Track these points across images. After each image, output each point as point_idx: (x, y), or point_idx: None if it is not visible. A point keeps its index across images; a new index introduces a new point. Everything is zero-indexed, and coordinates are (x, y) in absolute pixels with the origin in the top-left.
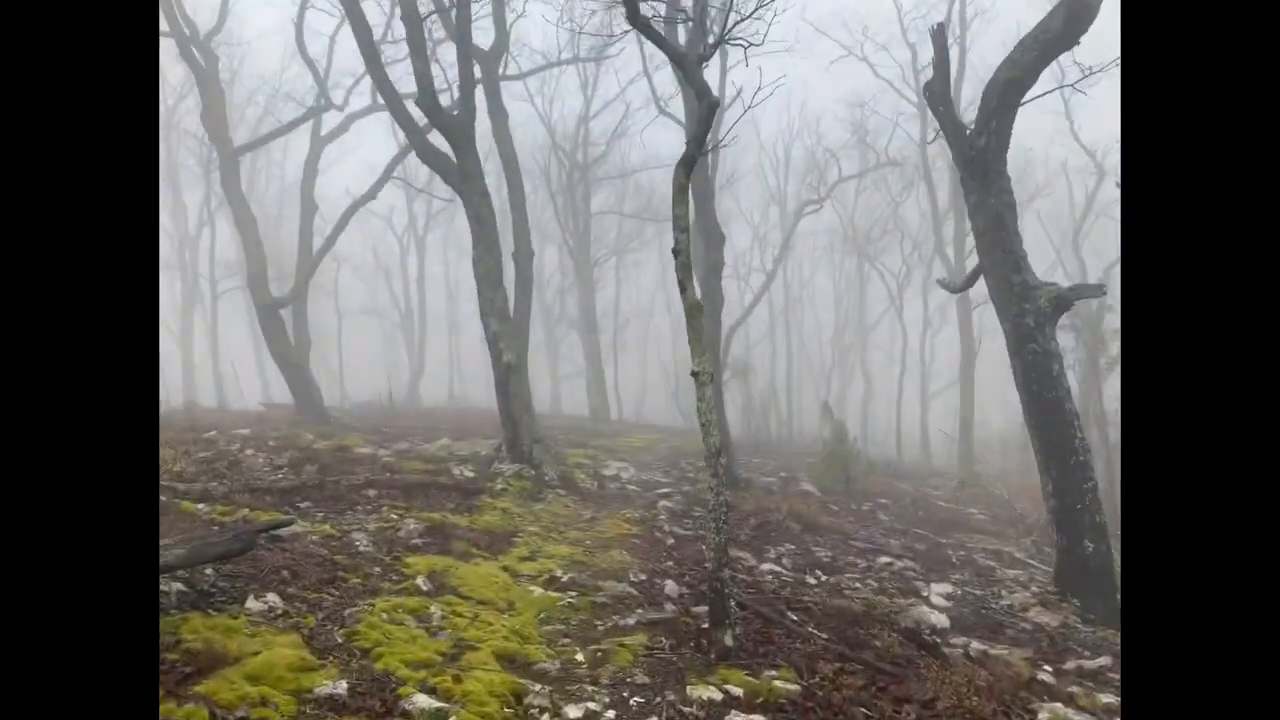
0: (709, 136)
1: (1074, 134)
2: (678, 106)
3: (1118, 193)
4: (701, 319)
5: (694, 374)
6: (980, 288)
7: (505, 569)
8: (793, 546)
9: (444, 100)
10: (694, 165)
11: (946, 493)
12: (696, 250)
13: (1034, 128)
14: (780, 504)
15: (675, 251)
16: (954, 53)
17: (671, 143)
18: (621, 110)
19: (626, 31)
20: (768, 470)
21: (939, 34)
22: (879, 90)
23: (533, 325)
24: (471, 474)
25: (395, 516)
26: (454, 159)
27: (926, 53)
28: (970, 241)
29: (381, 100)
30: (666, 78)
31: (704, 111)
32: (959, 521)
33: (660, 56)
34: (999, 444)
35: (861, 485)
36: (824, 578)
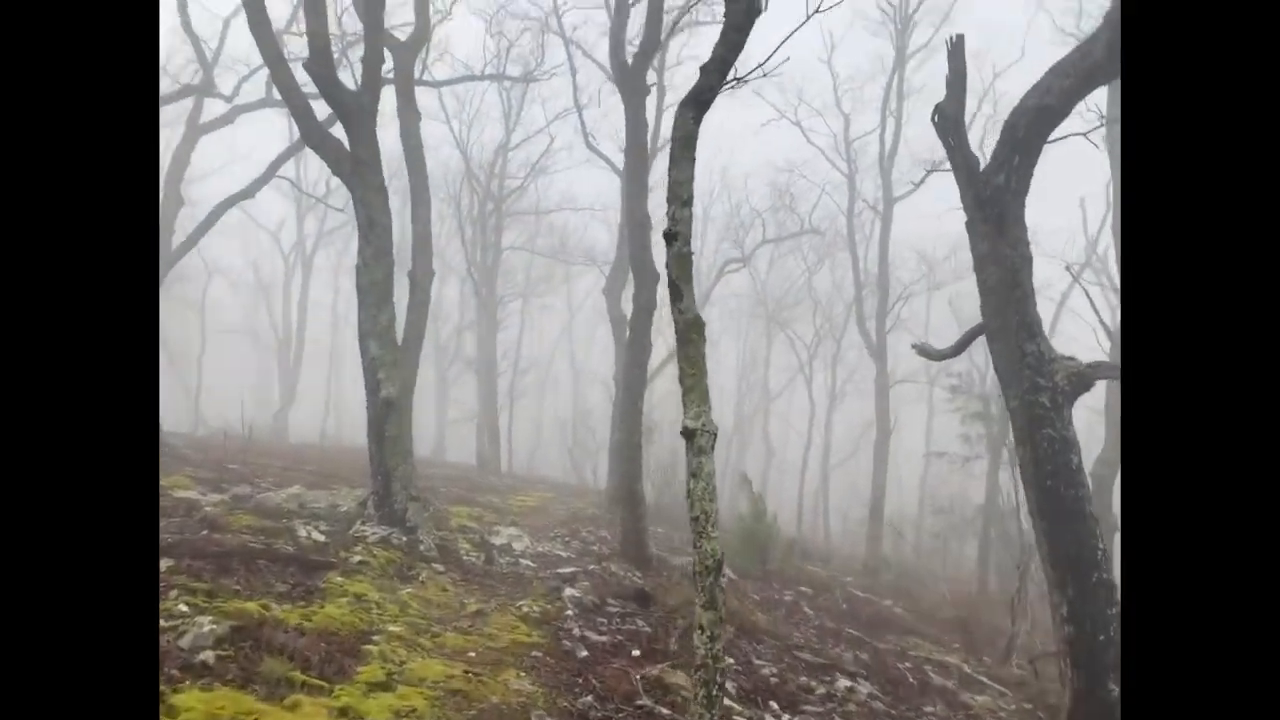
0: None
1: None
2: (607, 147)
3: None
4: (702, 346)
5: (687, 433)
6: (903, 362)
7: (341, 714)
8: (731, 660)
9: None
10: (709, 105)
11: (858, 580)
12: (620, 281)
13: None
14: None
15: (670, 236)
16: (889, 125)
17: (592, 189)
18: (544, 143)
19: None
20: (675, 545)
21: (957, 47)
22: (810, 156)
23: (423, 362)
24: (323, 537)
25: (185, 608)
26: (347, 146)
27: (860, 122)
28: (899, 316)
29: (278, 93)
30: (595, 114)
31: (739, 18)
32: (886, 618)
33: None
34: (889, 526)
35: (778, 568)
36: (785, 718)
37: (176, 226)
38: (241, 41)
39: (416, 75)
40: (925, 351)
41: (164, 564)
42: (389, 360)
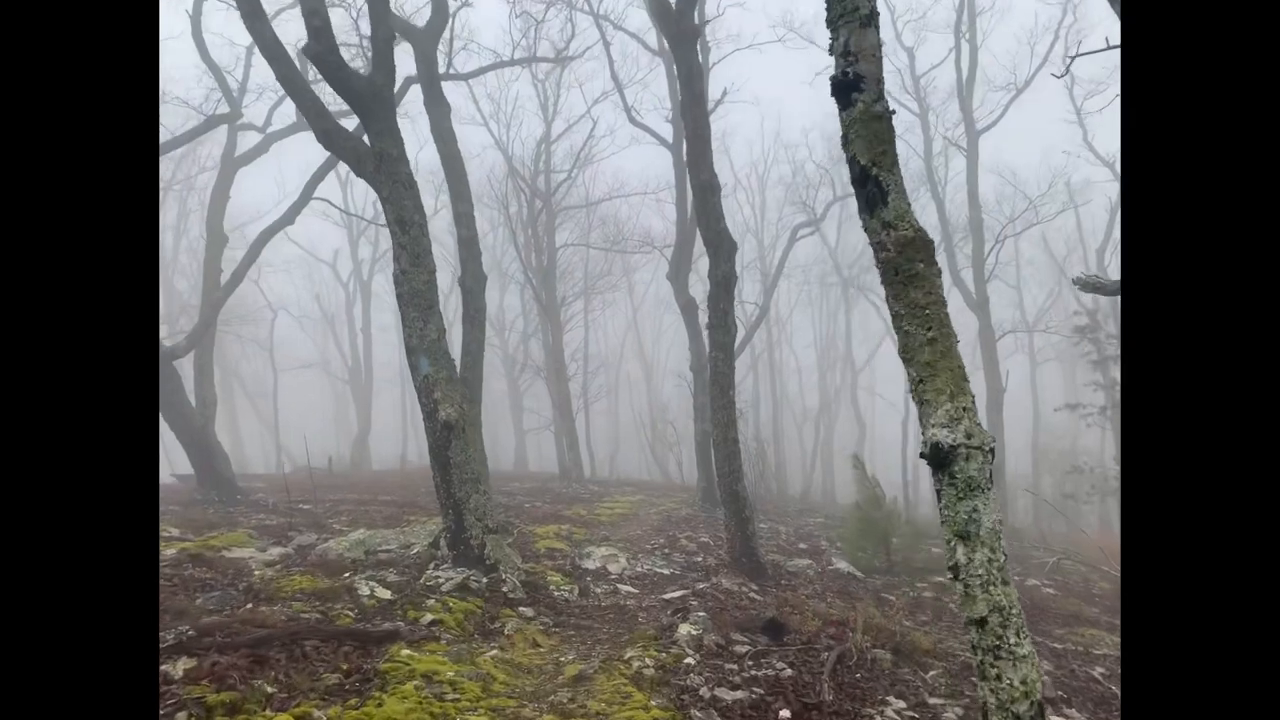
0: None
1: (1088, 143)
2: (653, 119)
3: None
4: (937, 282)
5: (937, 453)
6: (1001, 310)
7: None
8: (905, 706)
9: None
10: None
11: None
12: (685, 263)
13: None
14: (838, 609)
15: (847, 83)
16: (964, 50)
17: (639, 173)
18: (587, 130)
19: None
20: (785, 541)
21: None
22: None
23: (493, 374)
24: (389, 593)
25: None
26: (368, 142)
27: (925, 56)
28: (998, 262)
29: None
30: (634, 92)
31: None
32: (1040, 604)
33: (627, 65)
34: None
35: (903, 558)
36: None
37: (225, 265)
38: (268, 70)
39: (442, 69)
40: (1095, 285)
41: (185, 664)
42: (443, 377)
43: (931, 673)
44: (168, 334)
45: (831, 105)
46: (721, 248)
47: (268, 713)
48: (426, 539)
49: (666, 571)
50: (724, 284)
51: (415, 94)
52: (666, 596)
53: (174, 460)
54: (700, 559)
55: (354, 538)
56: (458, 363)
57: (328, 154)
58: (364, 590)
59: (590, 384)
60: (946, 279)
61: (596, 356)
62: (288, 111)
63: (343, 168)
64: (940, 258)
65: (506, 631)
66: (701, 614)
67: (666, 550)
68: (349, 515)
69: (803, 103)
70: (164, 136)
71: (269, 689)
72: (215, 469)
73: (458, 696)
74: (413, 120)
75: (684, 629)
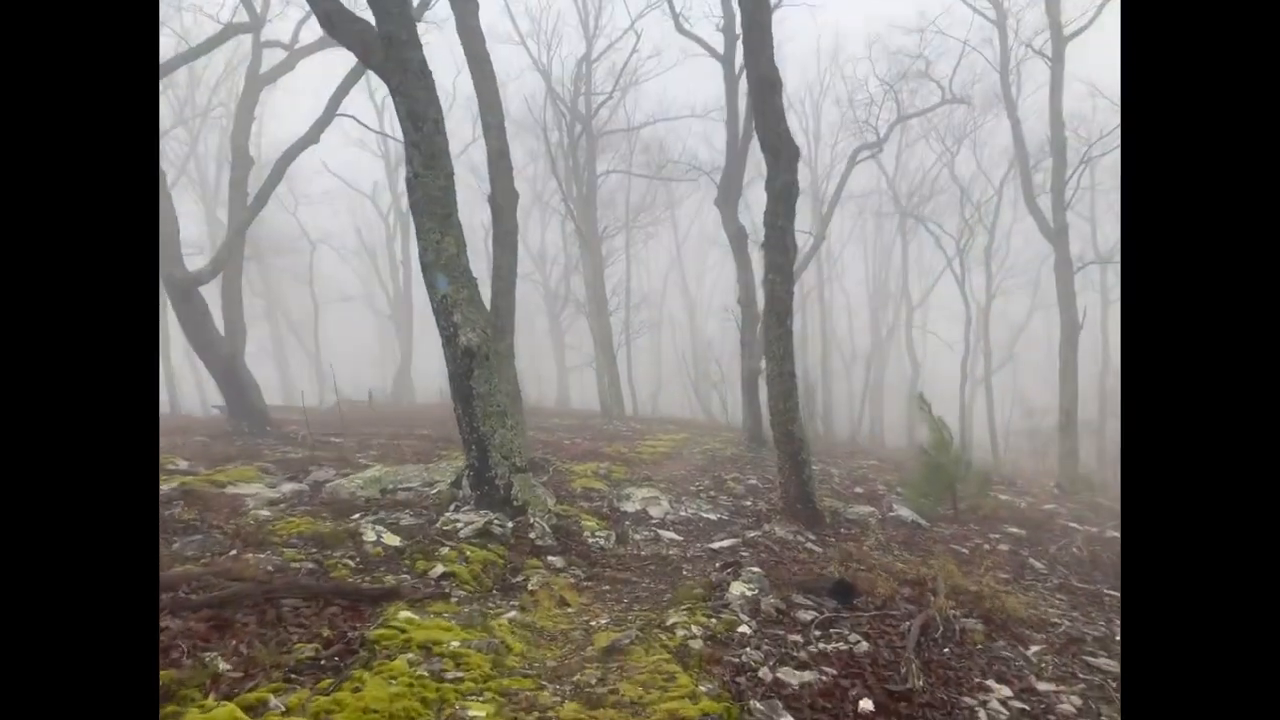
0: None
1: None
2: (702, 28)
3: None
4: None
5: None
6: (1079, 240)
7: None
8: (1010, 693)
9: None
10: None
11: (1065, 508)
12: (735, 187)
13: None
14: (910, 566)
15: None
16: None
17: (687, 95)
18: (629, 45)
19: None
20: (839, 485)
21: None
22: (942, 8)
23: (536, 310)
24: (398, 539)
25: None
26: (375, 25)
27: None
28: (1080, 188)
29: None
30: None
31: None
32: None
33: None
34: (1053, 435)
35: (971, 505)
36: None
37: (252, 189)
38: None
39: None
40: None
41: None
42: (464, 297)
43: (1034, 648)
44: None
45: (895, 18)
46: (782, 153)
47: (209, 700)
48: (452, 476)
49: (713, 517)
50: (783, 195)
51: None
52: (714, 546)
53: (211, 393)
54: (749, 503)
55: (370, 474)
56: (486, 287)
57: (352, 67)
58: (370, 536)
59: (632, 320)
60: (1020, 205)
61: (638, 292)
62: (316, 28)
63: (376, 86)
64: (1014, 182)
65: (530, 586)
66: (755, 570)
67: (712, 493)
68: (379, 449)
69: (862, 18)
70: (184, 48)
71: (221, 665)
72: (246, 400)
73: (460, 675)
74: (448, 43)
75: (736, 588)
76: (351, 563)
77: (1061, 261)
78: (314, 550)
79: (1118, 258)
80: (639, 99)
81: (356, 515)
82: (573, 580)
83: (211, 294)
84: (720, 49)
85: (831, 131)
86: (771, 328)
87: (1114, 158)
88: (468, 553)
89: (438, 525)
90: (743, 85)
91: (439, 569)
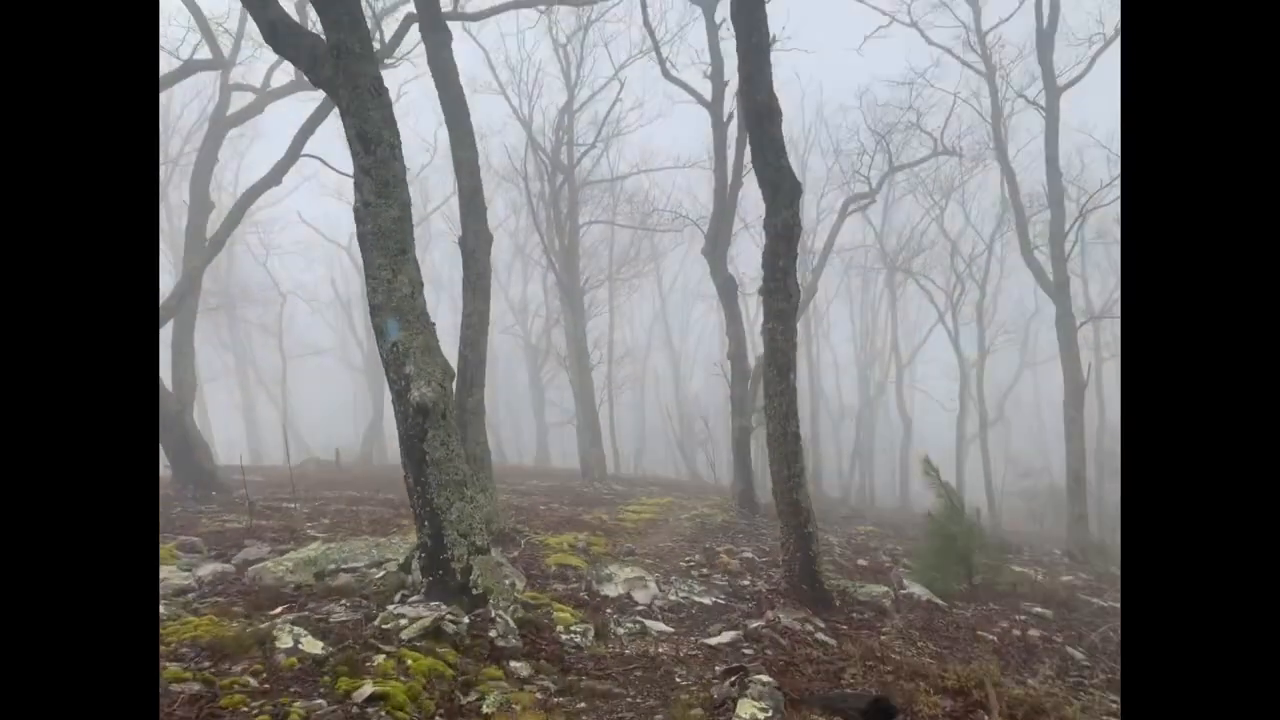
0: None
1: None
2: (689, 75)
3: None
4: None
5: None
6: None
7: None
8: None
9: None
10: None
11: (1080, 580)
12: (724, 236)
13: None
14: (941, 663)
15: None
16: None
17: (671, 146)
18: (612, 94)
19: None
20: (840, 556)
21: None
22: (930, 64)
23: (516, 365)
24: (320, 646)
25: None
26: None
27: (992, 9)
28: (1081, 236)
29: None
30: (667, 50)
31: None
32: None
33: (662, 25)
34: (1051, 498)
35: (986, 580)
36: None
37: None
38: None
39: (448, 7)
40: None
41: None
42: (418, 346)
43: None
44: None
45: (883, 69)
46: (781, 188)
47: None
48: (406, 554)
49: (708, 601)
50: (784, 234)
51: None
52: (712, 642)
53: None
54: (747, 582)
55: (305, 554)
56: (456, 339)
57: (318, 104)
58: (285, 641)
59: (615, 375)
60: (1009, 260)
61: (621, 345)
62: (289, 70)
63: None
64: (1003, 236)
65: (486, 709)
66: (764, 679)
67: (705, 569)
68: (334, 517)
69: (847, 70)
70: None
71: None
72: (193, 461)
73: None
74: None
75: (745, 710)
76: (254, 681)
77: (1063, 316)
78: (208, 664)
79: (1116, 312)
80: (622, 149)
81: (279, 609)
82: (541, 694)
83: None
84: (708, 95)
85: (817, 184)
86: (772, 382)
87: (1107, 212)
88: (409, 661)
89: (376, 623)
90: (731, 130)
91: (367, 689)
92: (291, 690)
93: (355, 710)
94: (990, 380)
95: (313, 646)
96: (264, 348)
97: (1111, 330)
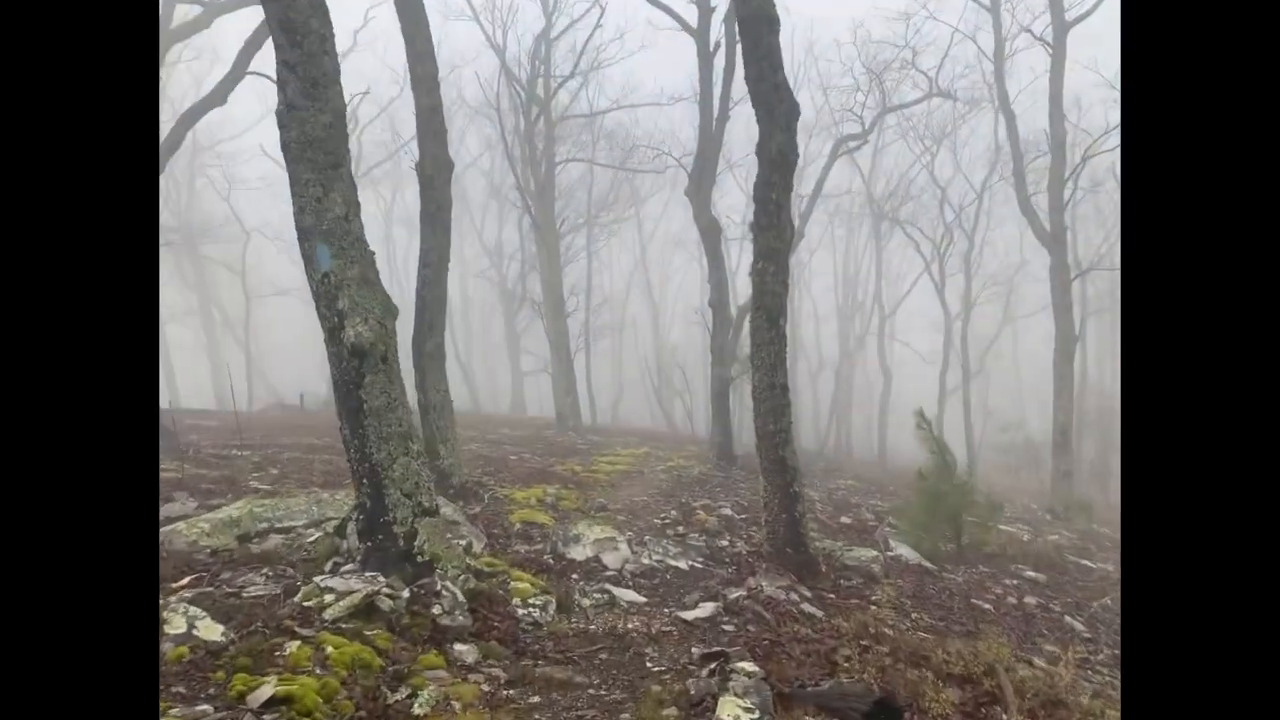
0: None
1: None
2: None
3: None
4: None
5: None
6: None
7: None
8: None
9: None
10: None
11: (1067, 540)
12: (709, 175)
13: None
14: (939, 638)
15: None
16: None
17: (654, 79)
18: (592, 21)
19: None
20: (824, 513)
21: None
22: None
23: (492, 311)
24: (219, 631)
25: None
26: None
27: None
28: (1077, 187)
29: None
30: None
31: None
32: None
33: None
34: (1028, 452)
35: (975, 540)
36: None
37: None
38: None
39: None
40: None
41: None
42: (353, 277)
43: None
44: None
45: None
46: (777, 110)
47: None
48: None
49: (684, 565)
50: (779, 163)
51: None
52: (688, 616)
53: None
54: (726, 542)
55: (228, 512)
56: (413, 275)
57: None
58: (176, 624)
59: (593, 323)
60: (995, 211)
61: (599, 292)
62: None
63: None
64: (994, 185)
65: (417, 709)
66: (748, 668)
67: (681, 528)
68: (284, 467)
69: (841, 6)
70: None
71: None
72: None
73: None
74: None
75: (727, 709)
76: None
77: (1058, 267)
78: None
79: (1107, 264)
80: (603, 84)
81: (184, 581)
82: (486, 689)
83: None
84: (693, 22)
85: (806, 126)
86: (760, 329)
87: (1101, 161)
88: (329, 649)
89: (297, 599)
90: (718, 63)
91: (265, 690)
92: (173, 691)
93: (261, 704)
94: (972, 333)
95: (211, 632)
96: (229, 287)
97: (1099, 283)
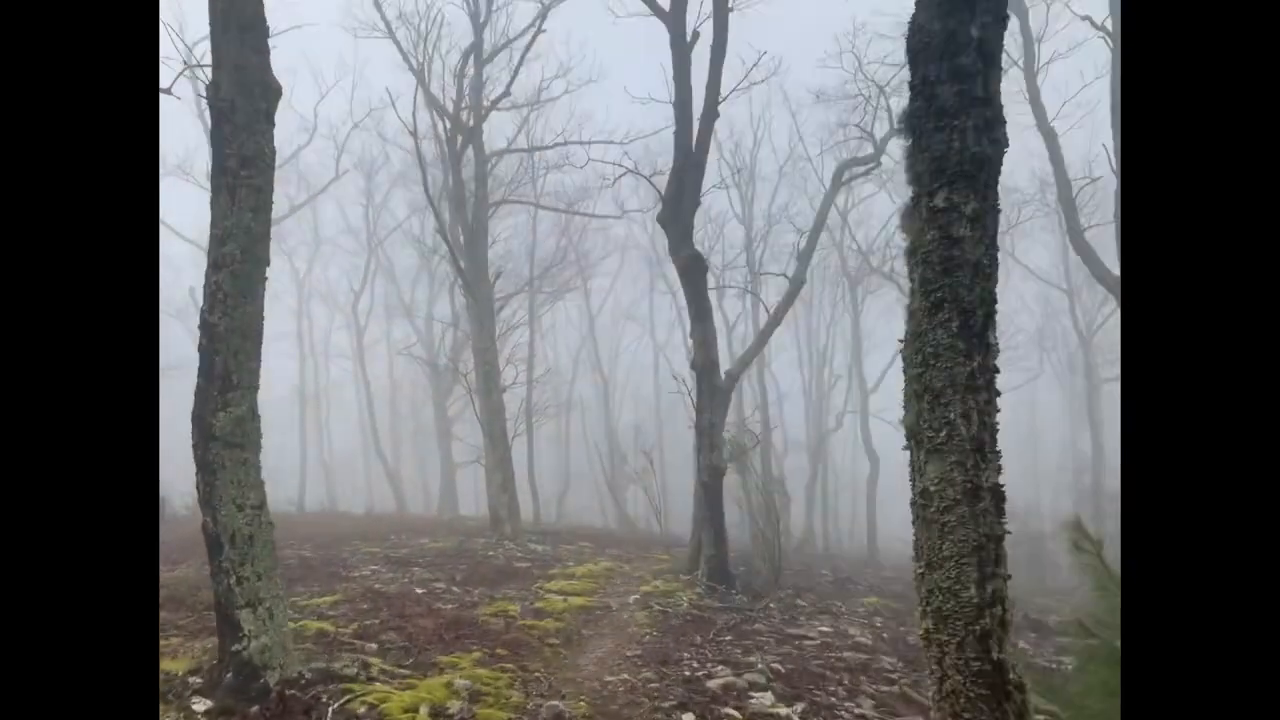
0: None
1: None
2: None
3: None
4: None
5: None
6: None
7: None
8: None
9: None
10: None
11: None
12: (689, 195)
13: None
14: None
15: None
16: None
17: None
18: (529, 41)
19: None
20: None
21: None
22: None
23: (422, 401)
24: None
25: None
26: None
27: None
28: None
29: None
30: None
31: None
32: None
33: None
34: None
35: None
36: None
37: None
38: None
39: None
40: None
41: None
42: None
43: None
44: None
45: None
46: None
47: None
48: None
49: None
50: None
51: None
52: None
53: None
54: None
55: None
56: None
57: None
58: None
59: (536, 400)
60: (1059, 237)
61: (543, 363)
62: None
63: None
64: (1049, 210)
65: None
66: None
67: None
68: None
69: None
70: None
71: None
72: None
73: None
74: None
75: None
76: None
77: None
78: None
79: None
80: (549, 120)
81: None
82: None
83: None
84: (665, 1)
85: (769, 188)
86: (938, 343)
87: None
88: None
89: None
90: (699, 53)
91: None
92: None
93: None
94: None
95: None
96: None
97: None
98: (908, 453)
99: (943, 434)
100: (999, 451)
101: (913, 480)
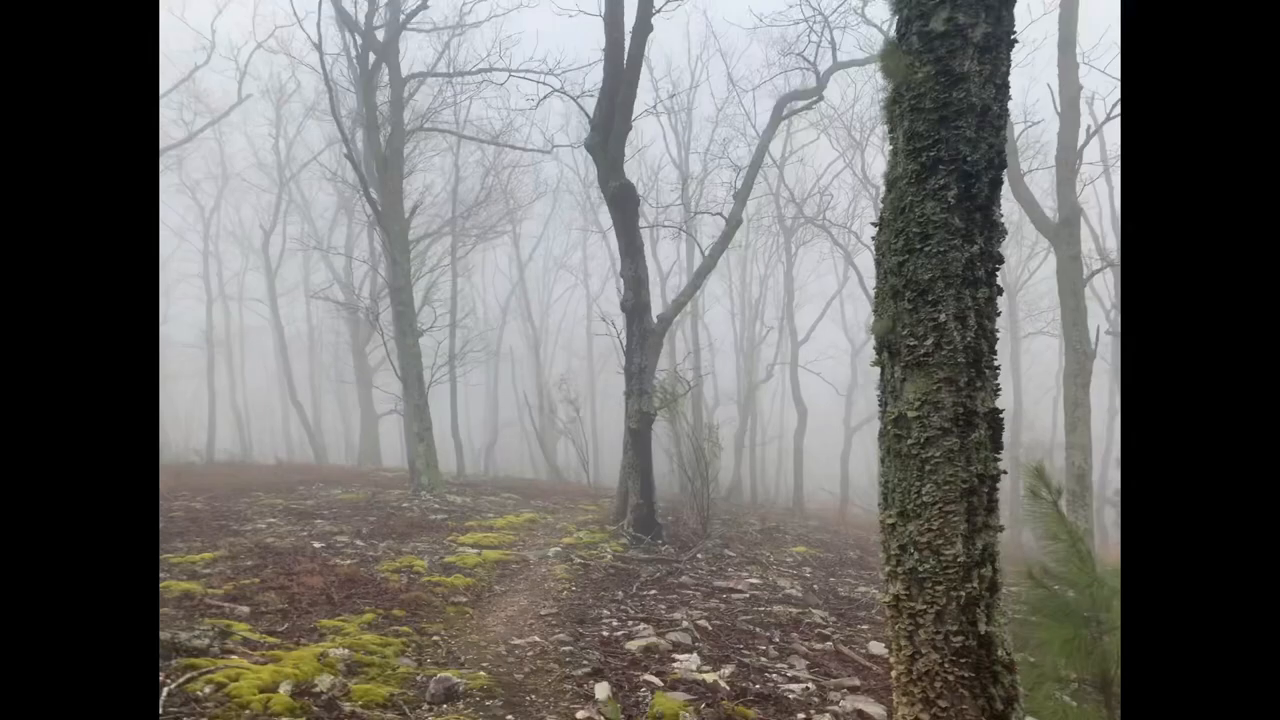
0: None
1: None
2: None
3: None
4: None
5: None
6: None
7: None
8: None
9: None
10: None
11: None
12: (621, 118)
13: None
14: None
15: None
16: None
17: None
18: None
19: None
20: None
21: None
22: None
23: (344, 348)
24: None
25: None
26: None
27: None
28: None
29: None
30: None
31: None
32: None
33: None
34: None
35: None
36: None
37: None
38: None
39: None
40: None
41: None
42: None
43: None
44: None
45: None
46: None
47: None
48: None
49: None
50: None
51: None
52: None
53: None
54: None
55: None
56: None
57: None
58: None
59: (460, 347)
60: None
61: (466, 307)
62: None
63: None
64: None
65: None
66: None
67: None
68: None
69: None
70: None
71: None
72: None
73: None
74: None
75: None
76: None
77: (1067, 264)
78: None
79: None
80: (473, 42)
81: None
82: None
83: None
84: None
85: (708, 126)
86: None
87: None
88: None
89: None
90: None
91: None
92: None
93: None
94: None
95: None
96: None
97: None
98: (843, 399)
99: (929, 342)
100: (998, 367)
101: (883, 405)
